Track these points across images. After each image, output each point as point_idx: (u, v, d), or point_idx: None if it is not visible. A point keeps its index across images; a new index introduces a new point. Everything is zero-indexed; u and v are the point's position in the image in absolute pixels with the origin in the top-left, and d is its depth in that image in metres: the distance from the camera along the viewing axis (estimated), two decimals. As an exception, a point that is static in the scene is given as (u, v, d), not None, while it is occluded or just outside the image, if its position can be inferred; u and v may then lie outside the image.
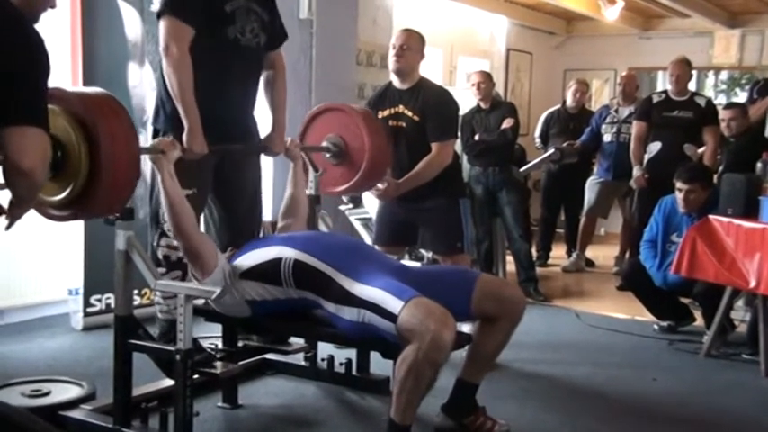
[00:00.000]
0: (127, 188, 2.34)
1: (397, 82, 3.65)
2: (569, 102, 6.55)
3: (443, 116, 3.63)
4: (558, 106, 6.68)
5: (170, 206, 2.56)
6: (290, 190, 3.13)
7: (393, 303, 2.39)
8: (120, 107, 2.32)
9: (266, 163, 5.08)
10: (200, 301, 2.72)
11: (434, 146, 3.55)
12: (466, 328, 2.81)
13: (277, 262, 2.63)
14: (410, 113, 3.57)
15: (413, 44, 3.58)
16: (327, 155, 3.40)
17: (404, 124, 3.58)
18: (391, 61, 3.61)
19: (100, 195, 2.24)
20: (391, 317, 2.38)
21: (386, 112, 3.62)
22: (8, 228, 1.94)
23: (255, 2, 2.96)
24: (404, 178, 3.54)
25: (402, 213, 3.69)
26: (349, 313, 2.50)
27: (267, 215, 5.00)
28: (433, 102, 3.59)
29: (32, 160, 1.71)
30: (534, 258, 5.79)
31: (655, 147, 5.46)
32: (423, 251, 4.21)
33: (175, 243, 2.77)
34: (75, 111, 2.20)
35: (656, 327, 4.50)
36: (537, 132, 6.70)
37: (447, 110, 3.69)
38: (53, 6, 1.98)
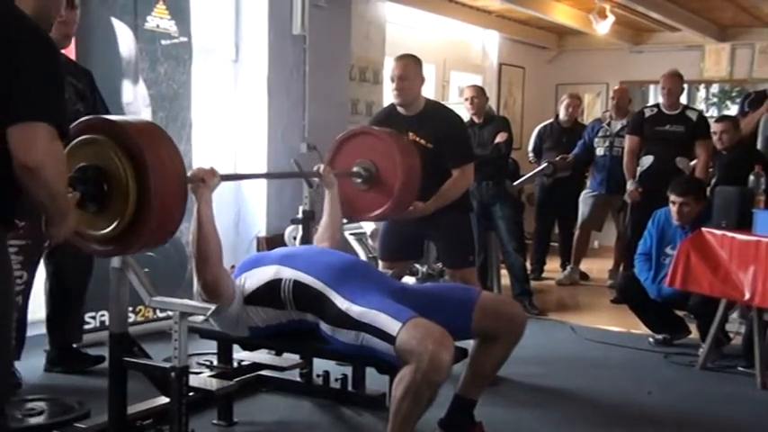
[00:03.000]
0: (175, 219, 2.23)
1: (402, 109, 3.59)
2: (562, 116, 6.58)
3: (460, 142, 3.64)
4: (551, 120, 6.71)
5: (201, 235, 2.52)
6: (325, 216, 3.12)
7: (391, 325, 2.39)
8: (166, 135, 2.22)
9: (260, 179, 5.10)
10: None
11: (457, 171, 3.55)
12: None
13: (277, 283, 2.63)
14: (423, 141, 3.52)
15: (410, 72, 3.51)
16: (358, 180, 3.33)
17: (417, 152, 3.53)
18: (393, 95, 3.55)
19: (149, 227, 2.12)
20: (389, 338, 2.38)
21: None
22: (49, 247, 1.91)
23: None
24: (431, 199, 3.49)
25: (412, 228, 3.65)
26: (346, 335, 2.50)
27: (262, 231, 5.03)
28: (446, 129, 3.56)
29: (37, 155, 1.65)
30: (528, 272, 5.80)
31: (647, 160, 5.48)
32: (418, 266, 4.21)
33: None
34: (120, 140, 2.08)
35: (651, 340, 4.50)
36: (530, 146, 6.72)
37: (462, 134, 3.72)
38: (61, 15, 1.99)
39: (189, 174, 2.52)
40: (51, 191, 1.74)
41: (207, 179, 2.55)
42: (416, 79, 3.54)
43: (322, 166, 3.17)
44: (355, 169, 3.34)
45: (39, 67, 1.71)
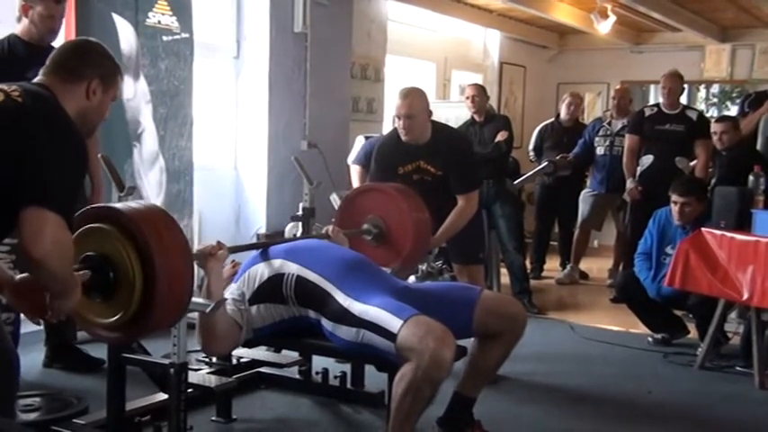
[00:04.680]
0: (183, 304, 2.19)
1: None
2: (563, 115, 6.56)
3: (467, 169, 3.60)
4: (552, 119, 6.71)
5: (212, 313, 2.50)
6: None
7: (392, 322, 2.39)
8: (170, 220, 2.18)
9: (261, 173, 5.11)
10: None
11: (462, 198, 3.53)
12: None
13: (279, 278, 2.64)
14: (432, 169, 3.51)
15: (416, 110, 3.44)
16: (368, 237, 3.30)
17: (429, 178, 3.53)
18: (400, 132, 3.49)
19: (156, 314, 2.08)
20: (390, 336, 2.38)
21: (408, 167, 3.54)
22: (52, 319, 1.94)
23: None
24: (439, 232, 3.48)
25: None
26: (347, 332, 2.50)
27: (262, 227, 5.04)
28: (454, 156, 3.53)
29: (44, 247, 1.70)
30: (528, 271, 5.80)
31: (647, 160, 5.49)
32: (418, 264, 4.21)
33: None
34: (124, 228, 2.05)
35: (650, 339, 4.50)
36: (531, 145, 6.71)
37: (469, 161, 3.68)
38: (104, 120, 2.09)
39: (195, 250, 2.54)
40: (56, 278, 1.79)
41: (214, 253, 2.56)
42: (423, 114, 3.48)
43: (331, 228, 3.13)
44: (365, 226, 3.31)
45: (60, 159, 1.78)
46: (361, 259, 2.82)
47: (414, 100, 3.46)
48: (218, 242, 2.62)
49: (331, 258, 2.70)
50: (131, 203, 2.22)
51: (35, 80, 1.96)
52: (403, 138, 3.51)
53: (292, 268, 2.64)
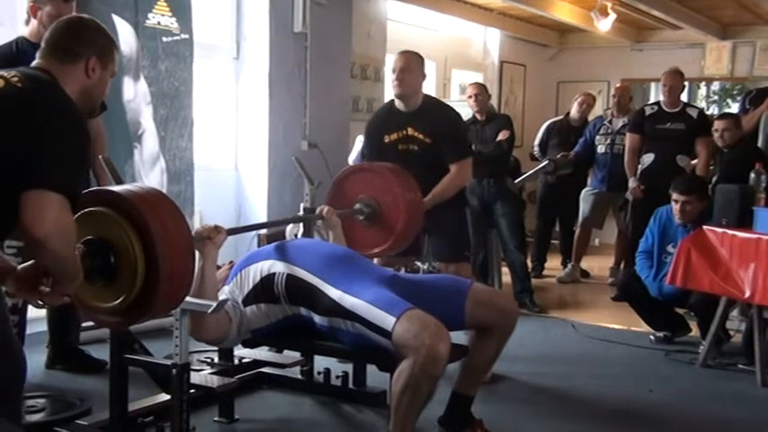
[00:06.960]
0: (184, 286, 2.19)
1: (400, 105, 3.59)
2: (574, 113, 6.54)
3: (457, 137, 3.62)
4: (561, 117, 6.71)
5: (202, 290, 2.52)
6: None
7: (385, 320, 2.40)
8: (169, 202, 2.19)
9: (261, 172, 5.11)
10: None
11: (454, 166, 3.53)
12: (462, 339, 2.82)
13: (271, 277, 2.65)
14: (421, 136, 3.52)
15: (412, 66, 3.52)
16: (360, 217, 3.31)
17: (416, 147, 3.54)
18: (393, 86, 3.55)
19: (159, 297, 2.07)
20: (385, 333, 2.39)
21: (393, 136, 3.56)
22: (44, 306, 1.93)
23: None
24: (428, 196, 3.47)
25: None
26: (343, 324, 2.52)
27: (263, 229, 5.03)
28: (444, 124, 3.56)
29: (46, 227, 1.69)
30: (529, 269, 5.80)
31: (648, 158, 5.49)
32: (419, 263, 4.22)
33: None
34: (125, 211, 2.04)
35: (651, 337, 4.50)
36: (536, 141, 6.69)
37: (459, 129, 3.71)
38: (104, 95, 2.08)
39: (194, 232, 2.53)
40: (58, 260, 1.77)
41: (212, 237, 2.56)
42: (417, 73, 3.55)
43: (325, 209, 3.13)
44: (357, 206, 3.32)
45: (62, 139, 1.77)
46: (348, 253, 2.83)
47: (411, 57, 3.57)
48: (216, 225, 2.61)
49: (319, 254, 2.71)
50: (129, 186, 2.21)
51: (33, 64, 1.95)
52: (395, 91, 3.55)
53: (282, 267, 2.65)
